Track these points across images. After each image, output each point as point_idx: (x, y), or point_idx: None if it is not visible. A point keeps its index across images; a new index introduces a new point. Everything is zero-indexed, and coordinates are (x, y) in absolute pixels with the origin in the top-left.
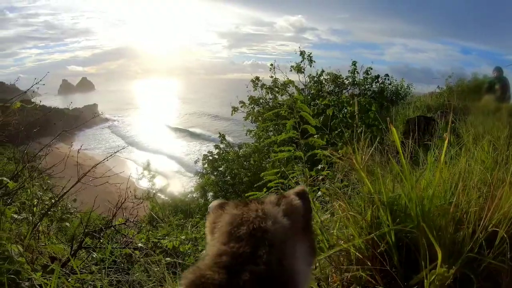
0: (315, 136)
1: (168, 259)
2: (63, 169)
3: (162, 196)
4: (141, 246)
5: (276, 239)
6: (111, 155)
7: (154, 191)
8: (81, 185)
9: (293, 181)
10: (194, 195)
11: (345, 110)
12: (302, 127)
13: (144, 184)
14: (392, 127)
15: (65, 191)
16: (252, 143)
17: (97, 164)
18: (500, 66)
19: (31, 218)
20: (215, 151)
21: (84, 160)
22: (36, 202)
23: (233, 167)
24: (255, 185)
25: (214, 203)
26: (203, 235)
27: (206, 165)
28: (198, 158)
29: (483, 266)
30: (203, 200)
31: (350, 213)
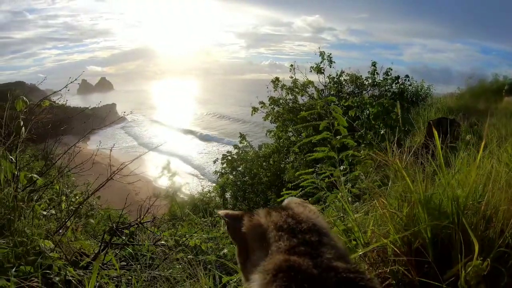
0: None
1: (190, 256)
2: (82, 167)
3: (181, 196)
4: (171, 244)
5: (328, 230)
6: (136, 158)
7: (173, 190)
8: (100, 183)
9: (324, 181)
10: (213, 195)
11: (367, 112)
12: (336, 127)
13: (162, 183)
14: (434, 130)
15: (90, 188)
16: (271, 144)
17: (127, 163)
18: None
19: (59, 214)
20: (234, 151)
21: (102, 159)
22: (64, 199)
23: (252, 167)
24: (274, 186)
25: (222, 212)
26: (223, 234)
27: (225, 165)
28: (217, 158)
29: (510, 263)
30: (222, 200)
31: (388, 210)
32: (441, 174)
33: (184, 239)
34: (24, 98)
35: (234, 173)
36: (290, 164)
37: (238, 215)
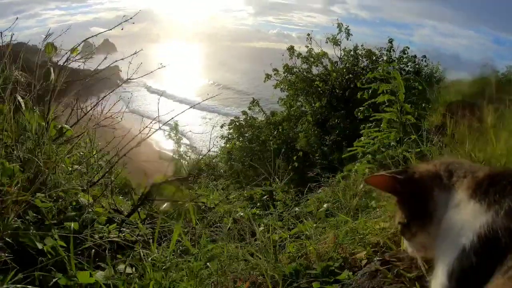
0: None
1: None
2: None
3: (187, 159)
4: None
5: None
6: (156, 130)
7: (179, 153)
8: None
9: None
10: (217, 160)
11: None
12: (399, 97)
13: (166, 146)
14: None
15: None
16: (282, 112)
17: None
18: None
19: (90, 169)
20: (242, 117)
21: (109, 123)
22: (94, 153)
23: (261, 134)
24: (282, 154)
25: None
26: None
27: (231, 130)
28: (225, 123)
29: None
30: (228, 165)
31: None
32: None
33: (204, 199)
34: (54, 43)
35: (241, 139)
36: (302, 132)
37: (399, 170)
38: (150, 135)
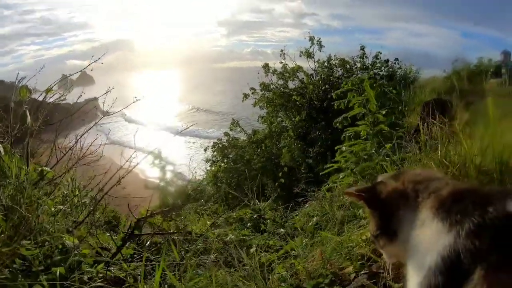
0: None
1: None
2: (78, 164)
3: (173, 188)
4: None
5: None
6: (137, 163)
7: (165, 181)
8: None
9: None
10: (205, 183)
11: (365, 94)
12: (369, 106)
13: (150, 175)
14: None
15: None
16: (263, 130)
17: (133, 166)
18: (509, 51)
19: (74, 209)
20: (225, 139)
21: (90, 160)
22: (77, 193)
23: (245, 153)
24: (268, 171)
25: (352, 189)
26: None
27: (215, 153)
28: (208, 146)
29: None
30: (215, 188)
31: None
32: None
33: (194, 227)
34: (28, 86)
35: (225, 160)
36: (285, 148)
37: (368, 187)
38: (131, 170)
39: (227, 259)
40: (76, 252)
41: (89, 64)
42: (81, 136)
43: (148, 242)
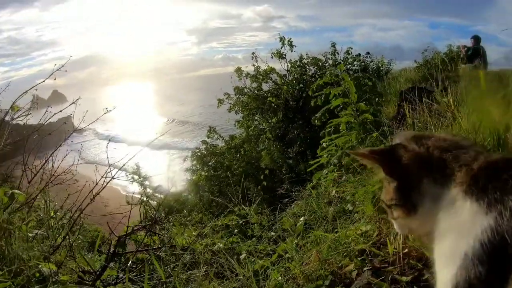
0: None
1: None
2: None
3: (154, 201)
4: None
5: None
6: (111, 178)
7: (146, 195)
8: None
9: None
10: (186, 193)
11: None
12: (351, 98)
13: (131, 190)
14: None
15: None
16: (241, 134)
17: (105, 185)
18: (478, 35)
19: (50, 232)
20: (203, 147)
21: (63, 175)
22: (53, 214)
23: (224, 160)
24: (249, 175)
25: (366, 150)
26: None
27: (195, 162)
28: (187, 156)
29: None
30: (198, 197)
31: None
32: None
33: (178, 239)
34: None
35: (205, 168)
36: (264, 150)
37: (385, 149)
38: (105, 186)
39: (218, 270)
40: (55, 279)
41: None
42: (51, 155)
43: (130, 261)
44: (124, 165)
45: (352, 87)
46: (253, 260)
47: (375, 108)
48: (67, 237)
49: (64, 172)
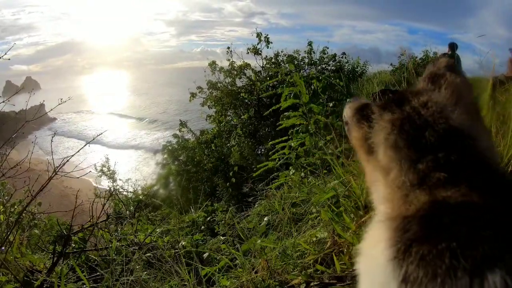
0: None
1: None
2: (15, 175)
3: (124, 193)
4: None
5: None
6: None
7: (115, 189)
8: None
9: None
10: (156, 188)
11: (312, 87)
12: (302, 99)
13: (102, 182)
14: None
15: (28, 195)
16: (212, 129)
17: (69, 157)
18: (454, 43)
19: None
20: (174, 141)
21: (36, 165)
22: (1, 209)
23: (195, 155)
24: (219, 171)
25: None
26: (174, 227)
27: (166, 155)
28: (158, 149)
29: None
30: (167, 191)
31: None
32: None
33: (140, 236)
34: None
35: (176, 163)
36: (234, 147)
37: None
38: (52, 176)
39: (164, 276)
40: None
41: None
42: (1, 146)
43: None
44: (70, 156)
45: (303, 88)
46: (218, 257)
47: (337, 110)
48: (11, 232)
49: (17, 164)
